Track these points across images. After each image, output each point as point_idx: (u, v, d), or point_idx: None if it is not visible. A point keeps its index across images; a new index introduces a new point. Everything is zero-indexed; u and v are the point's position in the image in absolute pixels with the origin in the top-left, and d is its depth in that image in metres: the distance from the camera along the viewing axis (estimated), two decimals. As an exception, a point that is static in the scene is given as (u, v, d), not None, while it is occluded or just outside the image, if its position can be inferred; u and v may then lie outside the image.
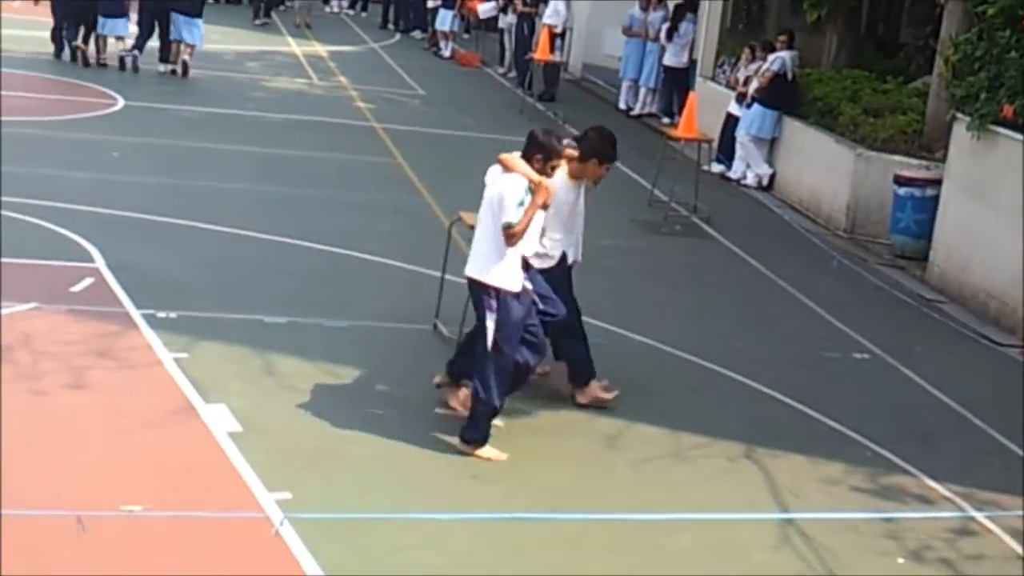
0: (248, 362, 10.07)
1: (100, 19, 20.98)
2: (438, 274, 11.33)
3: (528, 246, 9.22)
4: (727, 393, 10.78)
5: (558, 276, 9.91)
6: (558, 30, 23.52)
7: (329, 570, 7.14)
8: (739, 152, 18.85)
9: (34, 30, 23.23)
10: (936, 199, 14.84)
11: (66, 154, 15.63)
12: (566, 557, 7.74)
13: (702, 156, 17.26)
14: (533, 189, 8.99)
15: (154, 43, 21.45)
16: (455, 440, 9.05)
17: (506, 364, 9.04)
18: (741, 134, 18.72)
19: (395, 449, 8.95)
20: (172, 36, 21.42)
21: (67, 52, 21.38)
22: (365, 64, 25.23)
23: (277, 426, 9.00)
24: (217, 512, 7.69)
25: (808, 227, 16.85)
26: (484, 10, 26.71)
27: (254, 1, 29.72)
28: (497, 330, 8.94)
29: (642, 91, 23.23)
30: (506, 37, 25.87)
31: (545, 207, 9.13)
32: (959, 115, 14.36)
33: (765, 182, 18.51)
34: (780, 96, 18.37)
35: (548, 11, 23.80)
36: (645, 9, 23.23)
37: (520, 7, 24.93)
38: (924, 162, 15.69)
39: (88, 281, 11.30)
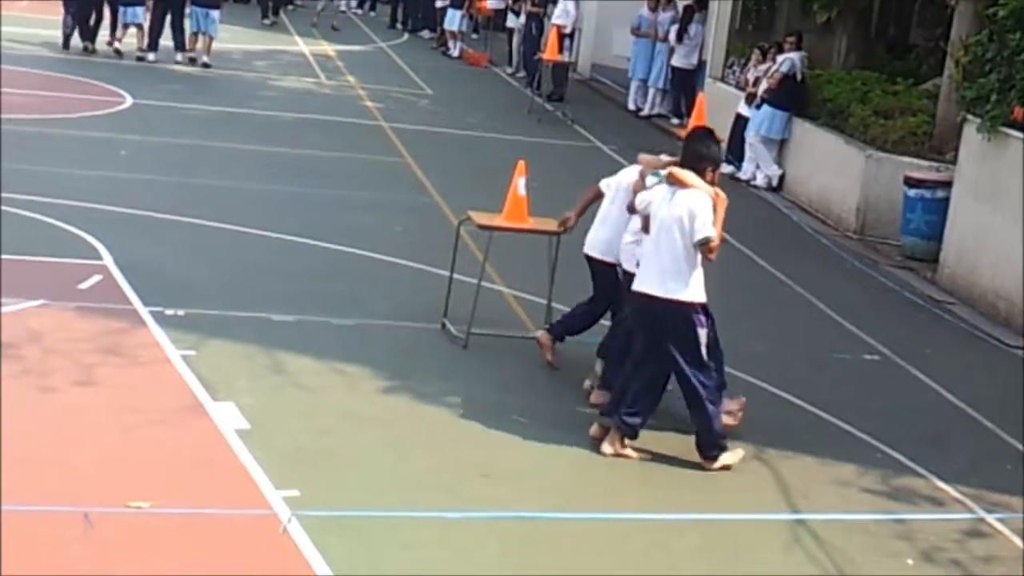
0: (256, 360, 10.05)
1: (120, 8, 21.50)
2: (446, 273, 11.31)
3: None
4: (738, 394, 10.71)
5: None
6: (567, 30, 23.50)
7: (337, 568, 7.11)
8: (748, 153, 18.82)
9: (40, 28, 23.25)
10: (946, 201, 14.80)
11: (74, 152, 15.63)
12: (573, 556, 7.71)
13: (711, 157, 17.20)
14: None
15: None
16: (469, 439, 9.05)
17: (711, 374, 9.08)
18: (751, 135, 18.68)
19: (404, 447, 8.93)
20: (192, 28, 21.97)
21: (76, 41, 21.53)
22: (373, 63, 25.23)
23: (285, 424, 8.98)
24: (225, 509, 7.67)
25: (818, 228, 16.81)
26: (492, 2, 26.75)
27: (262, 1, 29.73)
28: (706, 343, 9.00)
29: (651, 92, 23.20)
30: (515, 37, 25.86)
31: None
32: (969, 117, 14.32)
33: (775, 183, 18.48)
34: (789, 97, 18.34)
35: (557, 11, 23.77)
36: (654, 9, 23.20)
37: (529, 7, 24.91)
38: (934, 164, 15.65)
39: (96, 278, 11.29)
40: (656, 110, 23.07)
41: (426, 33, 29.22)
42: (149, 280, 11.28)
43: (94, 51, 21.78)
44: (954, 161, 14.94)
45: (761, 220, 17.05)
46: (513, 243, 11.56)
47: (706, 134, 9.47)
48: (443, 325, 11.12)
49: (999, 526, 8.92)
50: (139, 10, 21.75)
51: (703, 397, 9.08)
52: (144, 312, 10.62)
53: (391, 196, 15.44)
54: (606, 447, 9.19)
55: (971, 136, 14.24)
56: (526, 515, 8.14)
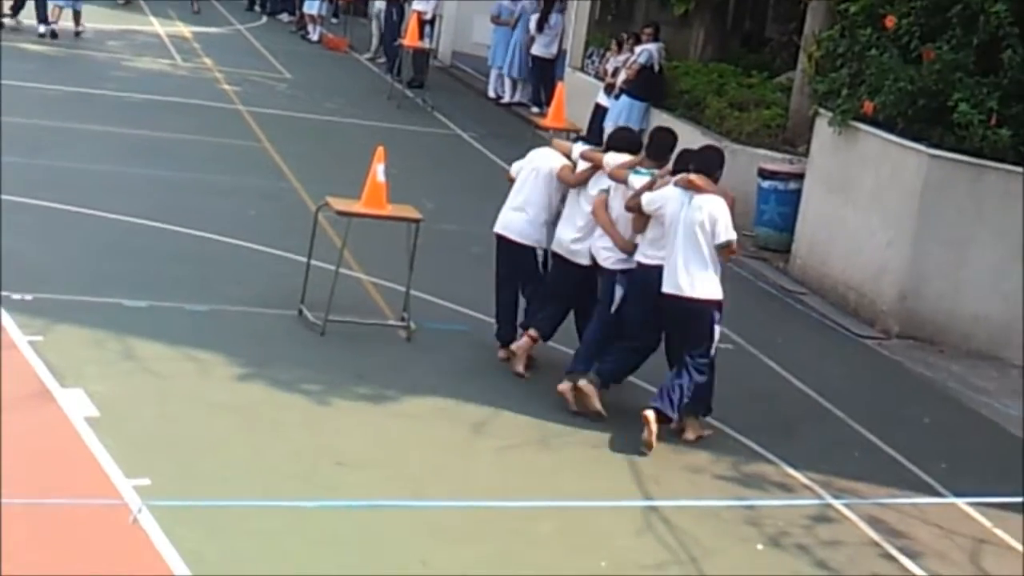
0: (106, 346, 9.85)
1: None
2: (304, 259, 11.20)
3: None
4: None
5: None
6: (427, 16, 23.41)
7: (189, 558, 7.01)
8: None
9: None
10: (799, 193, 15.07)
11: (-82, 131, 15.14)
12: (429, 544, 7.70)
13: (570, 146, 17.29)
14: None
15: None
16: (324, 427, 8.98)
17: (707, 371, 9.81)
18: (609, 125, 18.79)
19: (257, 435, 8.83)
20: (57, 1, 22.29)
21: None
22: (231, 46, 24.87)
23: (136, 411, 8.83)
24: (73, 499, 7.50)
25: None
26: None
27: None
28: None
29: (507, 80, 23.25)
30: (374, 22, 25.70)
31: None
32: (821, 110, 14.59)
33: (632, 173, 18.60)
34: (647, 88, 18.51)
35: (418, -4, 23.69)
36: (515, -1, 23.27)
37: (390, -8, 24.80)
38: (787, 156, 15.93)
39: (-60, 261, 10.96)
40: (516, 98, 23.12)
41: (285, 16, 28.88)
42: (-5, 264, 10.98)
43: None
44: (806, 153, 15.22)
45: (618, 209, 17.16)
46: (372, 230, 11.50)
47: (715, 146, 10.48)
48: (300, 312, 11.02)
49: (846, 512, 9.12)
50: None
51: (698, 383, 9.65)
52: (-10, 296, 10.35)
53: (248, 181, 15.24)
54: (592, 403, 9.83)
55: (823, 129, 14.52)
56: (382, 503, 8.11)
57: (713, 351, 9.79)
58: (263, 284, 11.71)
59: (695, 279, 9.49)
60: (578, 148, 10.63)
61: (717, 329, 9.75)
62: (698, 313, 9.59)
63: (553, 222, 10.59)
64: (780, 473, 9.62)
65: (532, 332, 10.59)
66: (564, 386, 10.01)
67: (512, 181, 10.90)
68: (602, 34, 21.45)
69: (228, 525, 7.52)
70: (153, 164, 15.21)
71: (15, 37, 21.59)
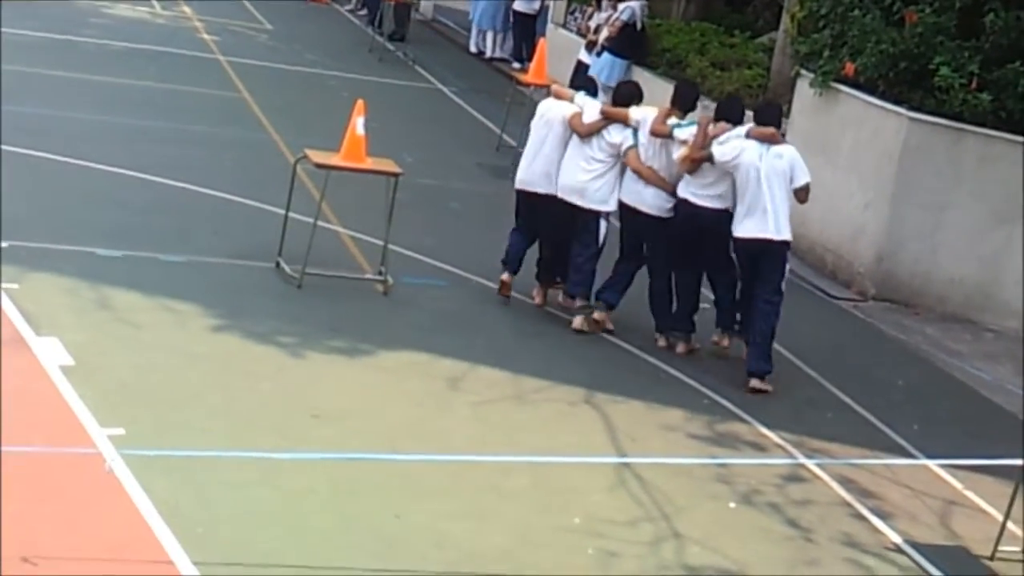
0: (81, 295, 9.81)
1: None
2: (282, 211, 11.16)
3: None
4: (569, 338, 10.83)
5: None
6: (410, -30, 23.28)
7: (162, 507, 7.01)
8: (587, 100, 18.86)
9: None
10: (778, 153, 15.03)
11: None
12: (403, 498, 7.72)
13: (550, 102, 17.24)
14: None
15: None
16: (300, 379, 8.99)
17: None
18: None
19: (232, 386, 8.82)
20: None
21: None
22: (211, -5, 24.69)
23: (111, 361, 8.80)
24: (47, 448, 7.49)
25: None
26: None
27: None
28: None
29: (489, 35, 23.14)
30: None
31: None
32: (803, 71, 14.57)
33: (612, 130, 18.55)
34: (629, 45, 18.42)
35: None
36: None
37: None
38: (768, 117, 15.86)
39: (-86, 207, 10.88)
40: (497, 53, 23.02)
41: (266, -33, 28.71)
42: (-30, 210, 10.91)
43: None
44: (787, 115, 15.19)
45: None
46: (350, 183, 11.46)
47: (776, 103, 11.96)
48: (277, 264, 10.99)
49: (818, 471, 9.18)
50: None
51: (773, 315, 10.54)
52: (-37, 243, 10.29)
53: (227, 131, 15.16)
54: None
55: (804, 90, 14.51)
56: (356, 456, 8.12)
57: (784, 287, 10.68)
58: (240, 236, 11.67)
59: (780, 223, 10.37)
60: (579, 97, 11.12)
61: (787, 267, 10.70)
62: (783, 255, 10.52)
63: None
64: (753, 432, 9.67)
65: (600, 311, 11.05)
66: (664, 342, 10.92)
67: None
68: (585, -9, 21.33)
69: (202, 475, 7.52)
70: (131, 113, 15.11)
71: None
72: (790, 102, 15.05)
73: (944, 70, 12.92)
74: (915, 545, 8.33)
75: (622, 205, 10.88)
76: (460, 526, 7.51)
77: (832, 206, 13.89)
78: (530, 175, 11.09)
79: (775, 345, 10.87)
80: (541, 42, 17.55)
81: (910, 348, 12.26)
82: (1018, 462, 8.75)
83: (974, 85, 12.92)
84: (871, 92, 13.57)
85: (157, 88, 16.66)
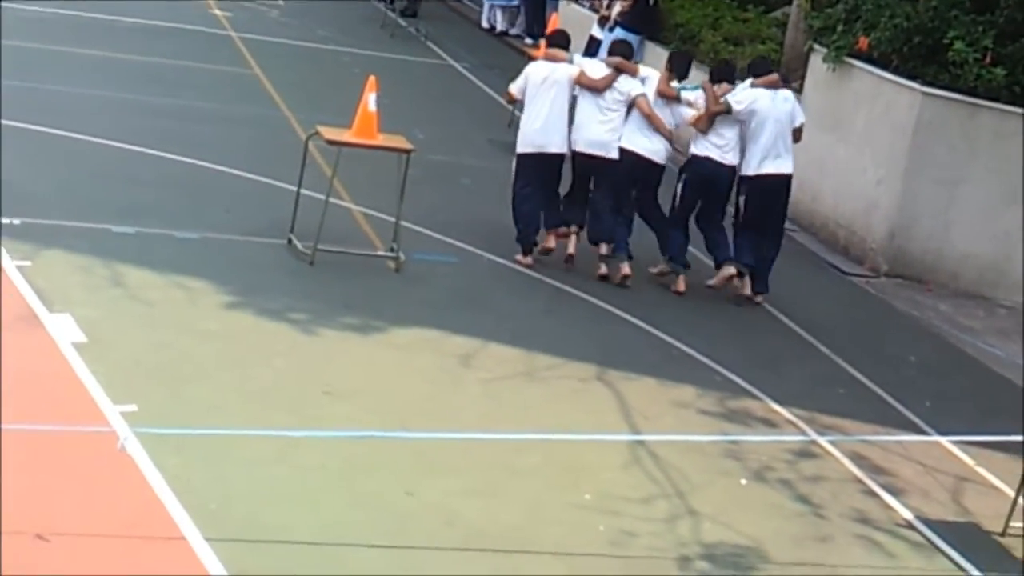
0: (95, 272, 9.83)
1: None
2: (294, 188, 11.16)
3: None
4: (581, 315, 10.84)
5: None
6: (422, -55, 23.18)
7: (175, 484, 7.03)
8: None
9: None
10: (792, 129, 14.98)
11: (-95, 51, 15.00)
12: (415, 475, 7.73)
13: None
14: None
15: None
16: (312, 355, 9.00)
17: None
18: (603, 57, 18.66)
19: (246, 363, 8.84)
20: None
21: None
22: (223, -29, 24.63)
23: (124, 338, 8.82)
24: (60, 425, 7.51)
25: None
26: None
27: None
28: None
29: (500, 10, 23.07)
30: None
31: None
32: (816, 46, 14.52)
33: (624, 106, 18.50)
34: (642, 21, 18.34)
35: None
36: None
37: (385, -79, 24.53)
38: (781, 91, 15.81)
39: (-73, 184, 10.90)
40: (510, 29, 22.95)
41: (278, -58, 28.63)
42: (-17, 187, 10.92)
43: None
44: (800, 90, 15.13)
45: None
46: (362, 159, 11.46)
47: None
48: (289, 241, 10.99)
49: (829, 448, 9.18)
50: None
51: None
52: (-23, 220, 10.31)
53: (238, 108, 15.15)
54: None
55: (817, 65, 14.45)
56: (368, 434, 8.14)
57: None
58: (252, 212, 11.67)
59: (789, 159, 11.66)
60: (578, 58, 12.04)
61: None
62: (789, 187, 11.78)
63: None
64: (765, 408, 9.67)
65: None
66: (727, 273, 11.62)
67: (513, 99, 12.07)
68: (597, -35, 21.23)
69: (215, 453, 7.54)
70: (143, 90, 15.10)
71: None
72: (803, 77, 15.00)
73: (958, 44, 12.86)
74: (927, 521, 8.33)
75: (624, 152, 11.48)
76: (472, 503, 7.52)
77: (845, 181, 13.86)
78: (545, 137, 11.44)
79: (786, 320, 10.83)
80: (553, 17, 17.48)
81: (923, 324, 12.24)
82: (1031, 438, 8.77)
83: (988, 60, 12.86)
84: (884, 67, 13.51)
85: (169, 64, 16.64)
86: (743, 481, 8.48)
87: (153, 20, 18.94)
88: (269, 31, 19.77)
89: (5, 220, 10.34)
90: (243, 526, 6.83)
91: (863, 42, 13.65)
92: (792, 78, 15.93)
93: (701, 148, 11.52)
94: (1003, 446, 9.58)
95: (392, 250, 11.04)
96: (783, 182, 11.68)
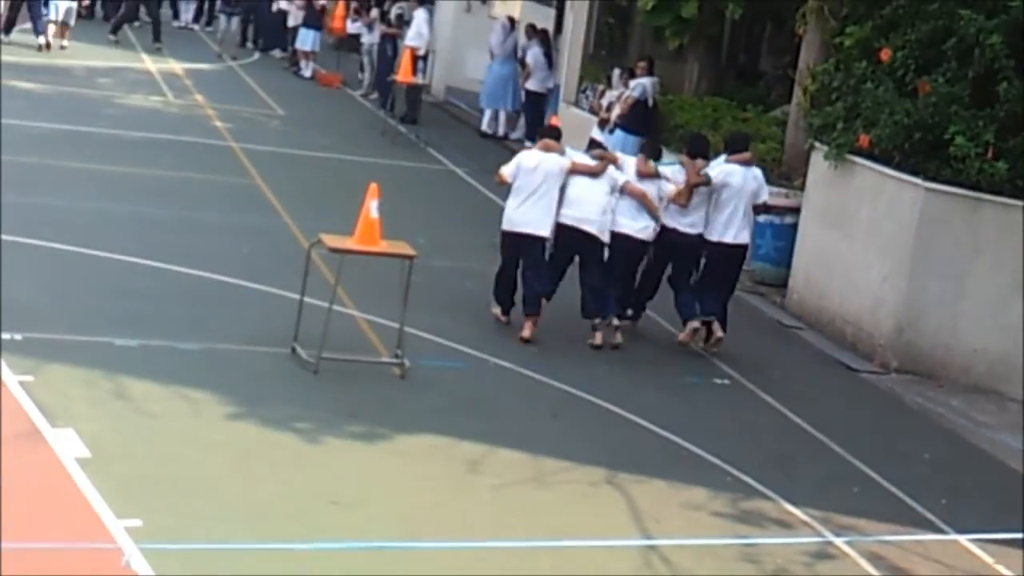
0: (97, 385, 9.74)
1: None
2: (297, 296, 11.10)
3: None
4: (588, 418, 10.73)
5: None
6: (421, 52, 23.41)
7: (180, 602, 6.89)
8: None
9: None
10: (795, 227, 15.00)
11: (-92, 169, 15.04)
12: (426, 586, 7.59)
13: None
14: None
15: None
16: (318, 466, 8.88)
17: None
18: (592, 152, 18.71)
19: (250, 475, 8.72)
20: (51, 16, 24.81)
21: None
22: (223, 83, 24.83)
23: (127, 451, 8.72)
24: (64, 543, 7.39)
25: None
26: (350, 26, 26.52)
27: (111, 17, 29.29)
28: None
29: (500, 115, 23.22)
30: (367, 58, 25.68)
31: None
32: (817, 144, 14.55)
33: (626, 207, 18.54)
34: (641, 122, 18.45)
35: (410, 33, 23.63)
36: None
37: (385, 28, 24.77)
38: (783, 190, 15.84)
39: (-72, 301, 10.85)
40: (510, 133, 23.09)
41: (278, 52, 28.87)
42: (-15, 303, 10.87)
43: None
44: (802, 187, 15.16)
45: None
46: (365, 266, 11.42)
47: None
48: (293, 350, 10.91)
49: (846, 548, 9.02)
50: None
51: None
52: (-21, 336, 10.25)
53: (240, 218, 15.16)
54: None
55: (818, 163, 14.47)
56: (377, 544, 8.00)
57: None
58: (256, 322, 11.61)
59: (746, 230, 12.70)
60: (569, 150, 12.62)
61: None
62: (745, 254, 12.95)
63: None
64: (779, 509, 9.52)
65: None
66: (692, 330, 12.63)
67: (503, 182, 12.54)
68: (596, 68, 21.43)
69: (221, 567, 7.39)
70: (145, 202, 15.12)
71: (4, 74, 21.55)
72: (805, 175, 15.02)
73: (959, 139, 12.88)
74: (949, 623, 8.16)
75: (619, 235, 12.40)
76: (484, 614, 7.37)
77: (850, 278, 13.81)
78: (530, 217, 12.22)
79: (796, 419, 10.71)
80: (553, 119, 17.57)
81: (935, 420, 12.11)
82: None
83: (990, 154, 12.87)
84: (886, 163, 13.52)
85: (171, 176, 16.69)
86: (759, 585, 8.32)
87: (155, 133, 19.06)
88: (269, 141, 19.88)
89: (7, 335, 10.28)
90: (250, 643, 6.67)
91: (864, 139, 13.67)
92: (794, 176, 15.99)
93: (670, 220, 12.58)
94: (1021, 543, 9.42)
95: (397, 356, 10.96)
96: (743, 250, 12.86)
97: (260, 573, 7.40)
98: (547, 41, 22.63)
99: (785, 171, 16.37)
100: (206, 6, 31.40)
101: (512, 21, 24.04)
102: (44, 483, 8.09)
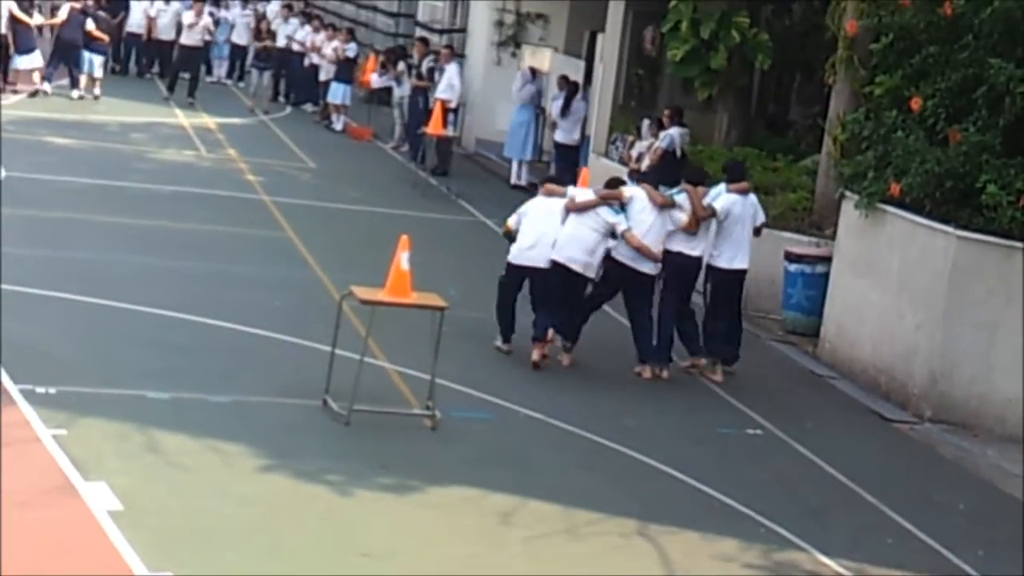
0: (130, 439, 9.78)
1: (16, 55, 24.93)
2: (328, 349, 11.12)
3: None
4: (620, 469, 10.69)
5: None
6: (451, 105, 23.54)
7: (211, 655, 6.88)
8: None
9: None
10: (826, 276, 14.95)
11: (-57, 225, 15.17)
12: (457, 639, 7.55)
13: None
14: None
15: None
16: (349, 518, 8.87)
17: None
18: (596, 189, 18.70)
19: (281, 527, 8.72)
20: (85, 70, 25.78)
21: None
22: (255, 136, 25.01)
23: (159, 504, 8.73)
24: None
25: (698, 302, 16.84)
26: (377, 80, 26.67)
27: (144, 73, 29.64)
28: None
29: (523, 165, 23.27)
30: (397, 111, 25.83)
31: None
32: (848, 193, 14.52)
33: (657, 257, 18.55)
34: (670, 173, 18.43)
35: (441, 86, 23.80)
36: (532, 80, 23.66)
37: (415, 81, 24.93)
38: (814, 239, 15.83)
39: (-37, 355, 10.92)
40: (530, 181, 23.10)
41: (309, 106, 29.08)
42: (19, 357, 10.94)
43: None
44: (833, 236, 15.12)
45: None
46: (396, 318, 11.44)
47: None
48: (324, 402, 10.93)
49: (882, 601, 8.93)
50: (33, 56, 25.26)
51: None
52: (13, 390, 10.30)
53: (272, 271, 15.23)
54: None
55: (849, 212, 14.44)
56: (408, 597, 7.97)
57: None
58: (287, 374, 11.64)
59: (747, 255, 13.47)
60: (571, 189, 13.33)
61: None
62: (742, 279, 13.56)
63: None
64: (812, 561, 9.45)
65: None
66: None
67: (509, 231, 13.31)
68: (625, 119, 21.48)
69: (251, 621, 7.39)
70: (178, 256, 15.22)
71: (40, 130, 21.77)
72: (835, 224, 14.99)
73: (991, 188, 12.83)
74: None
75: (623, 266, 12.98)
76: (516, 667, 7.32)
77: (883, 327, 13.74)
78: (537, 254, 12.88)
79: (830, 470, 10.63)
80: (583, 172, 17.61)
81: (970, 470, 12.01)
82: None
83: (1022, 202, 12.81)
84: (918, 211, 13.48)
85: (203, 230, 16.80)
86: (794, 638, 8.24)
87: (188, 187, 19.19)
88: (301, 194, 19.99)
89: (40, 389, 10.34)
90: None
91: (895, 188, 13.64)
92: (824, 225, 15.97)
93: (678, 246, 13.22)
94: (1060, 594, 9.32)
95: (428, 408, 10.96)
96: (744, 275, 13.62)
97: (291, 626, 7.39)
98: (573, 93, 22.69)
99: (816, 220, 16.35)
100: (238, 62, 31.68)
101: (533, 71, 24.15)
102: (77, 536, 8.11)
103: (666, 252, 13.13)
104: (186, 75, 27.59)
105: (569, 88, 22.76)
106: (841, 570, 9.32)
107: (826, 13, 16.73)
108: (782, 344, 15.14)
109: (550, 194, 13.22)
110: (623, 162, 20.07)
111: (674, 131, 18.66)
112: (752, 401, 12.77)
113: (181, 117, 25.68)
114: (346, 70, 27.14)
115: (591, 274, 13.02)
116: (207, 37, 28.95)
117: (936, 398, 13.05)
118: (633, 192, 13.26)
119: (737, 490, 10.44)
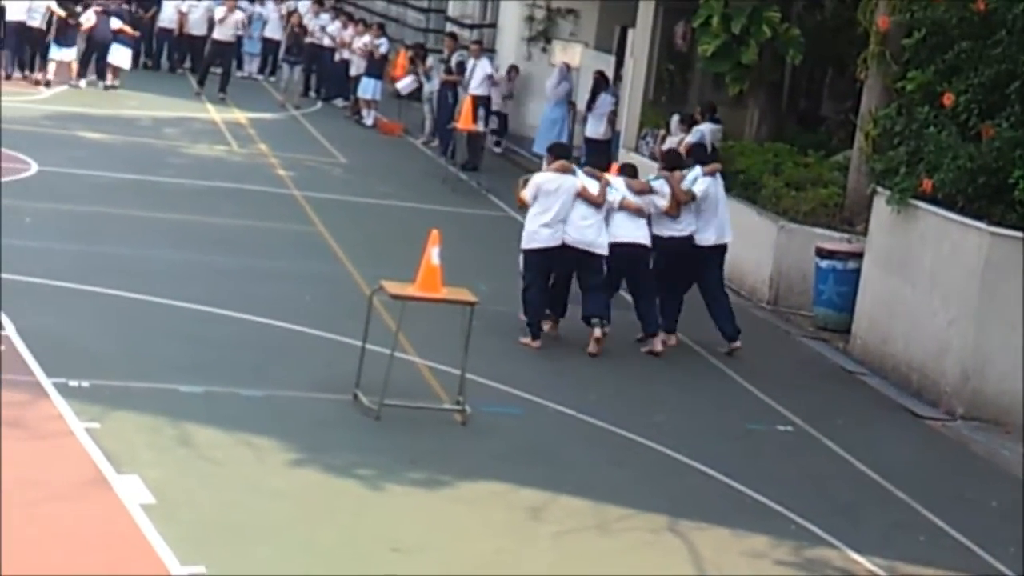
0: (162, 432, 9.83)
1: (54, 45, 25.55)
2: (359, 343, 11.16)
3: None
4: (650, 465, 10.69)
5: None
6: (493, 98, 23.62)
7: (243, 648, 6.91)
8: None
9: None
10: (858, 272, 14.90)
11: (-22, 219, 15.28)
12: (488, 633, 7.57)
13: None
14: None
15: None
16: (380, 512, 8.90)
17: None
18: (587, 169, 18.64)
19: (313, 521, 8.75)
20: (111, 61, 26.36)
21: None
22: (286, 131, 25.07)
23: (192, 497, 8.78)
24: (127, 588, 7.44)
25: (731, 299, 16.82)
26: (403, 86, 26.68)
27: (175, 68, 29.77)
28: None
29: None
30: (427, 106, 25.85)
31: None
32: (879, 189, 14.47)
33: (688, 253, 18.53)
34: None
35: (474, 82, 23.83)
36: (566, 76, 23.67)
37: (444, 76, 24.95)
38: (845, 235, 15.78)
39: (-2, 348, 11.01)
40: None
41: (339, 101, 29.14)
42: (53, 350, 11.02)
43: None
44: (865, 232, 15.08)
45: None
46: (426, 313, 11.46)
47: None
48: (355, 396, 10.96)
49: (913, 598, 8.90)
50: (67, 51, 25.79)
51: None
52: (47, 383, 10.37)
53: (302, 265, 15.28)
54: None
55: (881, 208, 14.39)
56: (438, 591, 7.99)
57: None
58: (318, 369, 11.68)
59: (727, 228, 14.21)
60: (580, 172, 13.69)
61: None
62: (724, 252, 14.31)
63: None
64: (843, 558, 9.42)
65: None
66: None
67: (524, 204, 13.71)
68: (656, 115, 21.45)
69: (283, 614, 7.42)
70: (209, 250, 15.29)
71: (73, 125, 21.89)
72: (867, 220, 14.94)
73: (1024, 184, 12.77)
74: (1019, 674, 8.03)
75: (621, 244, 13.44)
76: (546, 662, 7.33)
77: (915, 324, 13.69)
78: (553, 235, 13.21)
79: (861, 466, 10.59)
80: (614, 167, 17.59)
81: (1001, 467, 11.95)
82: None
83: (1055, 198, 12.74)
84: (950, 208, 13.43)
85: (235, 224, 16.86)
86: (824, 634, 8.23)
87: (219, 182, 19.27)
88: (332, 189, 20.03)
89: (74, 383, 10.41)
90: None
91: (927, 184, 13.58)
92: (856, 221, 15.91)
93: (664, 229, 13.87)
94: (1093, 592, 9.27)
95: (458, 403, 10.98)
96: (724, 248, 14.33)
97: (322, 620, 7.42)
98: (599, 86, 22.67)
99: (847, 216, 16.30)
100: (271, 56, 31.76)
101: (568, 67, 24.14)
102: (109, 529, 8.16)
103: (656, 238, 13.74)
104: (217, 70, 27.67)
105: (595, 81, 22.73)
106: (872, 567, 9.29)
107: (858, 8, 16.66)
108: (813, 340, 15.11)
109: (562, 171, 13.51)
110: (654, 157, 20.03)
111: (705, 127, 18.62)
112: (783, 397, 12.75)
113: (212, 112, 25.77)
114: (376, 65, 27.18)
115: (603, 252, 13.44)
116: (239, 32, 29.03)
117: (968, 395, 13.00)
118: (614, 180, 13.91)
119: (768, 486, 10.42)
